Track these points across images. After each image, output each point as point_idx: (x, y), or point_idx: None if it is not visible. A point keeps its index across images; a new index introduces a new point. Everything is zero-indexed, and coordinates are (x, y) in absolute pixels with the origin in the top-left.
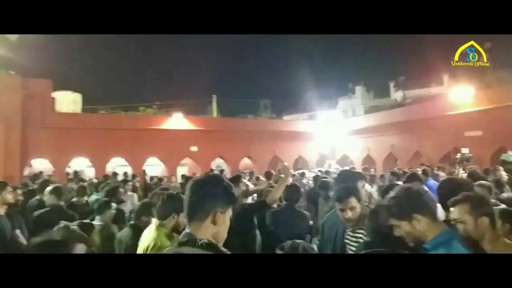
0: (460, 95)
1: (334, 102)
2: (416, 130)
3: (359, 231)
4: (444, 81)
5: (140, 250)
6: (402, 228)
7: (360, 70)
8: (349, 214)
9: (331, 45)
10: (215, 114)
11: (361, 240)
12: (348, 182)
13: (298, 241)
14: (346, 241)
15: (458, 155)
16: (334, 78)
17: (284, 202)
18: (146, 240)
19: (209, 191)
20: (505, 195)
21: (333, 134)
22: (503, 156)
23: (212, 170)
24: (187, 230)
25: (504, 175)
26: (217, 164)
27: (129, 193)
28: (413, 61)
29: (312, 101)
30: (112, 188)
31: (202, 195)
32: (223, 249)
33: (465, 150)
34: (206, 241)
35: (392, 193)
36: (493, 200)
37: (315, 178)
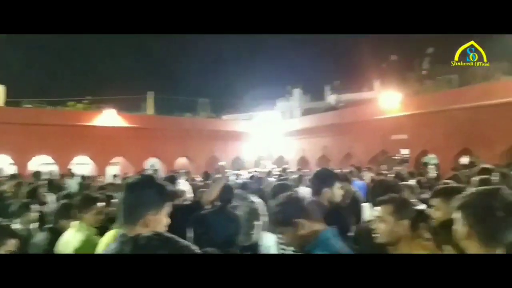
0: (388, 100)
1: (272, 103)
2: (348, 133)
3: None
4: (374, 87)
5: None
6: (287, 234)
7: (298, 72)
8: None
9: (273, 46)
10: (150, 111)
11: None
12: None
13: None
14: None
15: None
16: (274, 79)
17: (217, 203)
18: (71, 243)
19: (140, 194)
20: (426, 195)
21: (271, 135)
22: (425, 159)
23: (145, 169)
24: (121, 231)
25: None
26: (151, 163)
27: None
28: (348, 66)
29: (251, 102)
30: (32, 189)
31: (133, 198)
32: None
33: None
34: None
35: (275, 201)
36: (414, 200)
37: (252, 179)
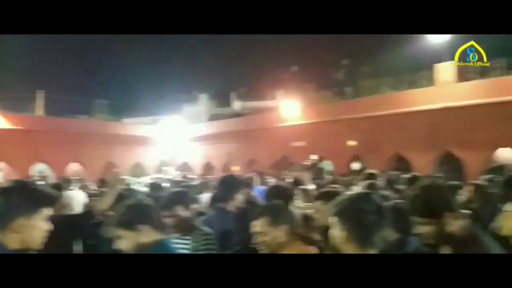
0: (289, 109)
1: (178, 107)
2: (252, 139)
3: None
4: (277, 96)
5: None
6: (128, 238)
7: (206, 78)
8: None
9: (181, 50)
10: (40, 112)
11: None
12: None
13: None
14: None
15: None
16: (180, 84)
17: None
18: None
19: (9, 199)
20: None
21: (175, 140)
22: (321, 164)
23: (31, 176)
24: None
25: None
26: (40, 169)
27: None
28: (253, 75)
29: (155, 105)
30: None
31: (2, 203)
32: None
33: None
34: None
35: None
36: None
37: (152, 186)
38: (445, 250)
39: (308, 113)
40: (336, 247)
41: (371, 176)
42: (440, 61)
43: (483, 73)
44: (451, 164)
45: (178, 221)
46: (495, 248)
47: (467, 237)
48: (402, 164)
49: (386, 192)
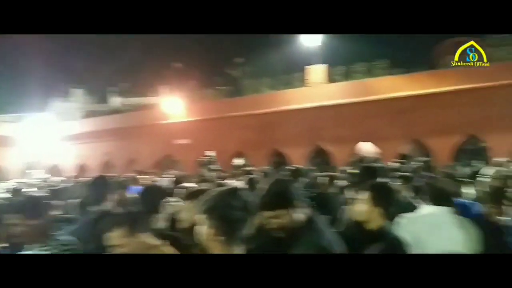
0: (173, 106)
1: (46, 103)
2: (133, 137)
3: None
4: (159, 92)
5: None
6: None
7: (81, 72)
8: None
9: (49, 45)
10: None
11: None
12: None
13: None
14: None
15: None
16: (50, 78)
17: None
18: None
19: None
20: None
21: (43, 139)
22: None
23: None
24: None
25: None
26: None
27: None
28: (134, 69)
29: (18, 101)
30: None
31: None
32: None
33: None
34: None
35: None
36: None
37: (14, 191)
38: (290, 240)
39: (192, 110)
40: (203, 245)
41: (297, 172)
42: (311, 63)
43: (347, 75)
44: (322, 158)
45: (30, 230)
46: (329, 234)
47: (304, 225)
48: (280, 159)
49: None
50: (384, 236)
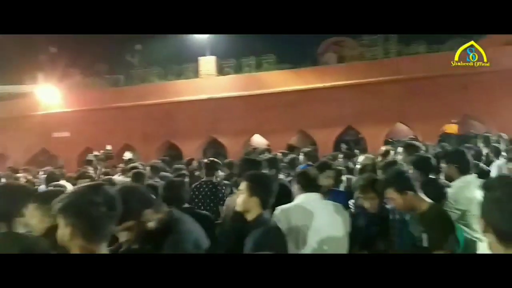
0: (50, 95)
1: None
2: (4, 130)
3: None
4: (38, 80)
5: None
6: None
7: None
8: None
9: None
10: None
11: None
12: None
13: None
14: None
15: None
16: None
17: None
18: None
19: None
20: None
21: None
22: (89, 156)
23: None
24: None
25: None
26: None
27: None
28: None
29: None
30: None
31: None
32: None
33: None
34: None
35: None
36: None
37: None
38: (148, 247)
39: (73, 100)
40: (63, 245)
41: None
42: (204, 54)
43: (237, 68)
44: (216, 149)
45: None
46: (196, 233)
47: (165, 226)
48: (173, 151)
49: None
50: (262, 225)
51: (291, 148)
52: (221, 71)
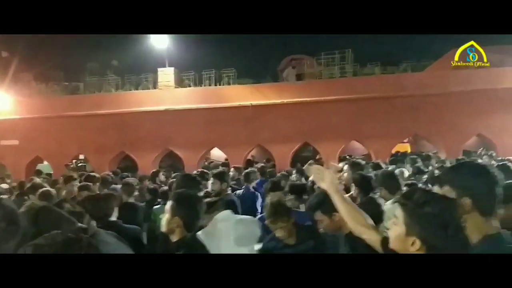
0: None
1: None
2: None
3: None
4: None
5: None
6: None
7: None
8: None
9: None
10: None
11: None
12: None
13: None
14: None
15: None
16: None
17: None
18: None
19: None
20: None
21: None
22: (39, 166)
23: None
24: None
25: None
26: None
27: None
28: None
29: None
30: None
31: None
32: None
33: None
34: None
35: None
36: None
37: None
38: None
39: (22, 107)
40: None
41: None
42: (164, 65)
43: (197, 81)
44: (173, 161)
45: None
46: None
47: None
48: (129, 163)
49: None
50: (185, 248)
51: (250, 163)
52: (181, 83)
